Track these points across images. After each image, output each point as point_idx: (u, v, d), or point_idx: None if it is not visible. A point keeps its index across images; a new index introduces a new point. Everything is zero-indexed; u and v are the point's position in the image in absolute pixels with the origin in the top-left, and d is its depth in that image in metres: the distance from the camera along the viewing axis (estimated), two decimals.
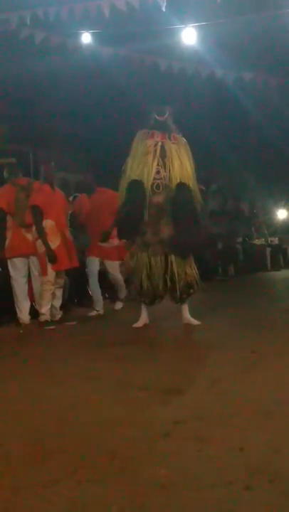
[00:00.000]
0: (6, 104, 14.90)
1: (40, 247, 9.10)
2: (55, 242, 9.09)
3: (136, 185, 8.29)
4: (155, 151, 8.35)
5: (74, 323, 9.30)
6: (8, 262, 9.42)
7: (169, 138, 8.42)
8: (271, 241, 18.95)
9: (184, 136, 8.62)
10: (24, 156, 16.10)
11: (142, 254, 8.36)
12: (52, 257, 9.01)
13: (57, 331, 8.83)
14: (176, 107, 8.72)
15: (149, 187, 8.27)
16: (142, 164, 8.34)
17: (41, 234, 9.08)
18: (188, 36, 12.19)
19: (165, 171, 8.30)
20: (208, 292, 9.37)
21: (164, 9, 9.83)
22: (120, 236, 8.83)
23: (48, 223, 9.09)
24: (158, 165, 8.32)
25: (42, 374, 5.98)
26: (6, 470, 3.53)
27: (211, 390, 5.09)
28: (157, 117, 8.43)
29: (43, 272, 9.11)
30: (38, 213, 9.09)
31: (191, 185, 8.38)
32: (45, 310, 9.07)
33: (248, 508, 2.94)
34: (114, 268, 10.43)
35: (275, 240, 19.16)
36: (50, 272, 9.07)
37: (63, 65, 12.75)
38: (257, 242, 18.62)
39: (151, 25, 11.79)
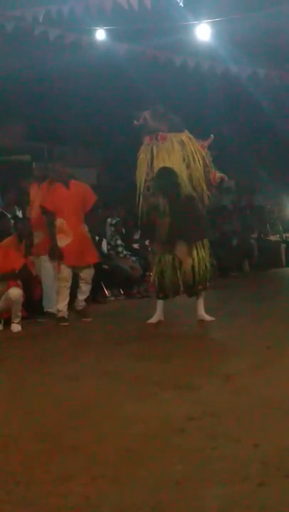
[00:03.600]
0: (21, 101, 14.94)
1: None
2: (65, 240, 9.12)
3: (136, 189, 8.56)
4: (146, 154, 8.42)
5: (90, 319, 9.31)
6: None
7: (156, 139, 8.43)
8: (286, 237, 18.87)
9: (197, 132, 8.63)
10: (39, 153, 16.14)
11: (158, 252, 8.48)
12: (55, 254, 9.09)
13: (70, 328, 8.84)
14: (165, 104, 8.75)
15: (142, 190, 8.36)
16: (137, 169, 8.51)
17: (49, 231, 9.25)
18: (203, 32, 12.19)
19: (152, 172, 8.35)
20: (223, 288, 9.37)
21: (181, 5, 9.81)
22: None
23: (59, 222, 9.15)
24: (147, 167, 8.37)
25: (57, 370, 5.99)
26: (20, 465, 3.54)
27: (225, 386, 5.09)
28: (135, 122, 8.47)
29: (58, 267, 9.20)
30: (47, 213, 9.22)
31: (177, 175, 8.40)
32: (61, 306, 9.10)
33: (263, 504, 2.94)
34: None
35: None
36: (64, 269, 9.11)
37: (78, 61, 12.75)
38: (272, 238, 18.55)
39: (166, 22, 11.79)
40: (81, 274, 9.30)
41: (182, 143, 8.44)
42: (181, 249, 8.36)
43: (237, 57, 13.08)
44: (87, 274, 9.39)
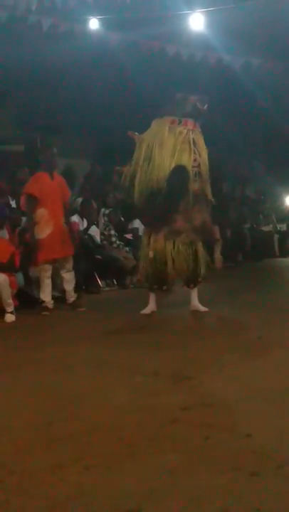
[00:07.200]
0: (14, 91, 14.89)
1: (36, 235, 9.13)
2: (45, 231, 9.09)
3: (180, 172, 8.29)
4: (189, 139, 8.36)
5: (84, 309, 9.31)
6: None
7: (196, 127, 8.45)
8: (280, 227, 18.88)
9: None
10: (32, 143, 16.10)
11: (167, 242, 8.32)
12: (36, 246, 9.07)
13: (63, 318, 8.84)
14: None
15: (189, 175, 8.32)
16: (181, 152, 8.31)
17: (30, 222, 9.21)
18: (196, 22, 12.15)
19: (200, 159, 8.35)
20: (217, 279, 9.37)
21: None
22: (148, 223, 8.72)
23: (40, 212, 9.11)
24: (194, 153, 8.34)
25: (51, 360, 5.99)
26: (14, 455, 3.55)
27: (218, 376, 5.11)
28: (199, 106, 8.37)
29: (35, 260, 9.20)
30: (31, 202, 9.16)
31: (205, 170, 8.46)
32: (43, 296, 9.12)
33: (255, 493, 2.96)
34: None
35: (284, 227, 19.09)
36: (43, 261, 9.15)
37: (71, 51, 12.72)
38: (265, 228, 18.56)
39: (159, 11, 11.76)
40: (62, 263, 9.27)
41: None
42: (216, 233, 8.50)
43: (231, 46, 13.05)
44: (68, 262, 9.36)
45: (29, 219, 9.23)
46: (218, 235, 8.68)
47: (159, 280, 8.50)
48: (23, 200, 9.46)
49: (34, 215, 9.12)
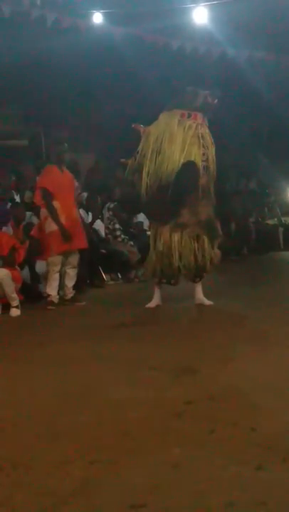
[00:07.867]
0: (18, 85, 14.89)
1: (48, 228, 9.09)
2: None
3: (191, 167, 8.26)
4: (198, 133, 8.34)
5: (84, 303, 9.30)
6: None
7: (204, 121, 8.44)
8: (285, 220, 18.85)
9: None
10: (36, 138, 16.10)
11: (173, 234, 8.29)
12: (66, 235, 9.00)
13: (68, 312, 8.85)
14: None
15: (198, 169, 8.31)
16: (191, 146, 8.30)
17: (53, 214, 9.09)
18: (200, 16, 12.14)
19: (208, 153, 8.34)
20: (221, 272, 9.36)
21: None
22: (155, 216, 8.70)
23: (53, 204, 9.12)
24: (203, 147, 8.33)
25: (54, 355, 6.00)
26: (19, 450, 3.56)
27: (223, 370, 5.11)
28: (210, 100, 8.36)
29: (47, 252, 9.14)
30: (47, 195, 9.11)
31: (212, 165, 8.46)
32: (50, 290, 9.11)
33: (260, 487, 2.96)
34: None
35: (288, 220, 19.06)
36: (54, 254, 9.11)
37: (75, 45, 12.71)
38: (269, 222, 18.54)
39: (163, 5, 11.76)
40: (68, 259, 9.25)
41: None
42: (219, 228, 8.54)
43: (234, 40, 13.04)
44: (74, 258, 9.34)
45: (51, 212, 9.12)
46: (220, 230, 8.63)
47: (167, 274, 8.49)
48: (38, 195, 9.42)
49: (54, 206, 9.10)
